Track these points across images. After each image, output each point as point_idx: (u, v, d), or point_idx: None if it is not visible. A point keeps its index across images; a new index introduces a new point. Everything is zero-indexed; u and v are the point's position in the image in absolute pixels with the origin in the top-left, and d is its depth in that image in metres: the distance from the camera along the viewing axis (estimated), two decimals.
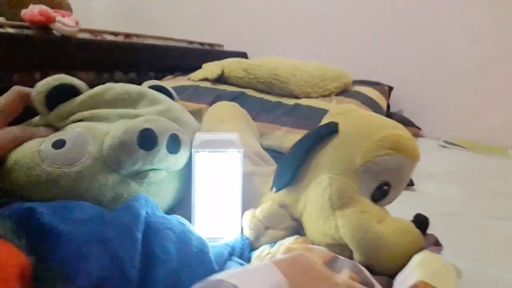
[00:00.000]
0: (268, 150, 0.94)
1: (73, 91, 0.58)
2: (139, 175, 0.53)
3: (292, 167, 0.59)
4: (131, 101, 0.61)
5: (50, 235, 0.34)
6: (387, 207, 0.62)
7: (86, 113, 0.57)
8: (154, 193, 0.55)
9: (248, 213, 0.61)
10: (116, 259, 0.35)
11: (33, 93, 0.55)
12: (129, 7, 2.52)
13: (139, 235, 0.38)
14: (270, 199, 0.62)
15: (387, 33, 1.87)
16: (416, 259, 0.48)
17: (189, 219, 0.56)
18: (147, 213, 0.44)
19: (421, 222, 0.55)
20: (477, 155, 1.54)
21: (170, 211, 0.62)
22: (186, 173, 0.60)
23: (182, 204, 0.64)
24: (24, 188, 0.47)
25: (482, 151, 1.58)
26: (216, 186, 0.59)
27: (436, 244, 0.59)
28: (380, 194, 0.57)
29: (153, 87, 0.67)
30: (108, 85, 0.61)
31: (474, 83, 1.75)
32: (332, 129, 0.59)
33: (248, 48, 2.15)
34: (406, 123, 1.72)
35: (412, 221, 0.55)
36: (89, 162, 0.50)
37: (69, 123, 0.56)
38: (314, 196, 0.57)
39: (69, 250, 0.33)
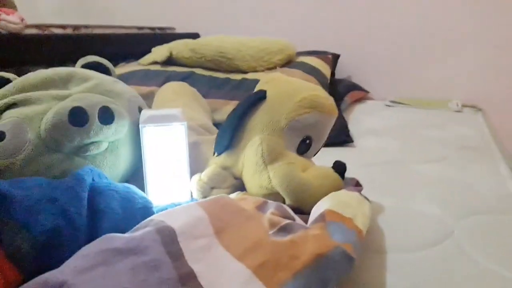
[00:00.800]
0: (221, 124, 1.01)
1: (4, 82, 0.64)
2: (81, 150, 0.58)
3: (229, 132, 0.67)
4: (62, 81, 0.65)
5: (5, 198, 0.41)
6: (317, 159, 0.72)
7: (18, 96, 0.61)
8: (101, 164, 0.61)
9: (195, 177, 0.69)
10: (66, 213, 0.42)
11: None
12: None
13: (84, 195, 0.46)
14: (214, 163, 0.71)
15: (332, 4, 1.94)
16: (329, 194, 0.58)
17: (143, 190, 0.63)
18: (93, 179, 0.51)
19: (338, 167, 0.65)
20: (418, 110, 1.66)
21: (124, 180, 0.68)
22: (132, 142, 0.66)
23: (136, 176, 0.71)
24: None
25: (424, 106, 1.71)
26: (165, 157, 0.66)
27: (356, 185, 0.69)
28: (304, 147, 0.67)
29: (87, 65, 0.72)
30: (38, 70, 0.67)
31: (416, 42, 1.86)
32: (260, 96, 0.67)
33: (201, 29, 2.19)
34: (354, 87, 1.82)
35: (332, 167, 0.65)
36: (31, 148, 0.55)
37: (2, 108, 0.60)
38: (249, 155, 0.66)
39: (23, 207, 0.40)
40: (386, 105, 1.75)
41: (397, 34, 1.87)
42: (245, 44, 1.34)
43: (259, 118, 0.66)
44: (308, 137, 0.66)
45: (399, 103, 1.76)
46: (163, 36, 2.07)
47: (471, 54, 1.78)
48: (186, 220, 0.39)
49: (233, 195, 0.68)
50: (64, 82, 0.65)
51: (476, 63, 1.78)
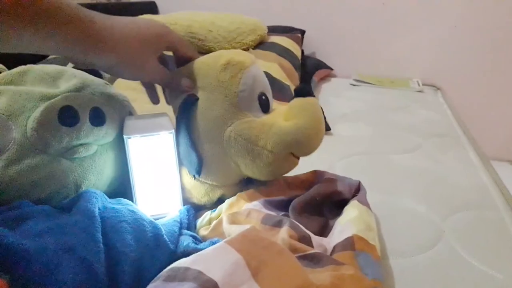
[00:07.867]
0: None
1: None
2: (69, 152, 0.55)
3: (191, 150, 0.62)
4: (51, 80, 0.61)
5: (18, 254, 0.36)
6: None
7: (5, 88, 0.55)
8: (89, 168, 0.57)
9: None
10: (85, 264, 0.38)
11: None
12: None
13: (100, 236, 0.42)
14: (206, 195, 0.67)
15: None
16: (352, 212, 0.57)
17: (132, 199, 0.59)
18: (99, 208, 0.46)
19: (302, 91, 0.62)
20: (382, 90, 1.70)
21: (113, 185, 0.64)
22: (121, 148, 0.61)
23: (124, 183, 0.66)
24: None
25: (387, 85, 1.74)
26: (153, 166, 0.61)
27: (359, 189, 0.68)
28: (265, 104, 0.64)
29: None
30: (28, 66, 0.61)
31: (378, 20, 1.87)
32: (192, 100, 0.62)
33: None
34: (320, 65, 1.82)
35: (296, 95, 0.62)
36: (15, 147, 0.51)
37: None
38: (236, 155, 0.62)
39: (39, 264, 0.36)
40: (351, 84, 1.76)
41: (361, 12, 1.87)
42: (216, 24, 1.27)
43: (205, 117, 0.61)
44: (261, 93, 0.63)
45: (363, 81, 1.78)
46: (119, 6, 1.93)
47: (429, 33, 1.83)
48: (224, 268, 0.36)
49: (228, 202, 0.65)
50: (54, 79, 0.60)
51: (434, 41, 1.84)
